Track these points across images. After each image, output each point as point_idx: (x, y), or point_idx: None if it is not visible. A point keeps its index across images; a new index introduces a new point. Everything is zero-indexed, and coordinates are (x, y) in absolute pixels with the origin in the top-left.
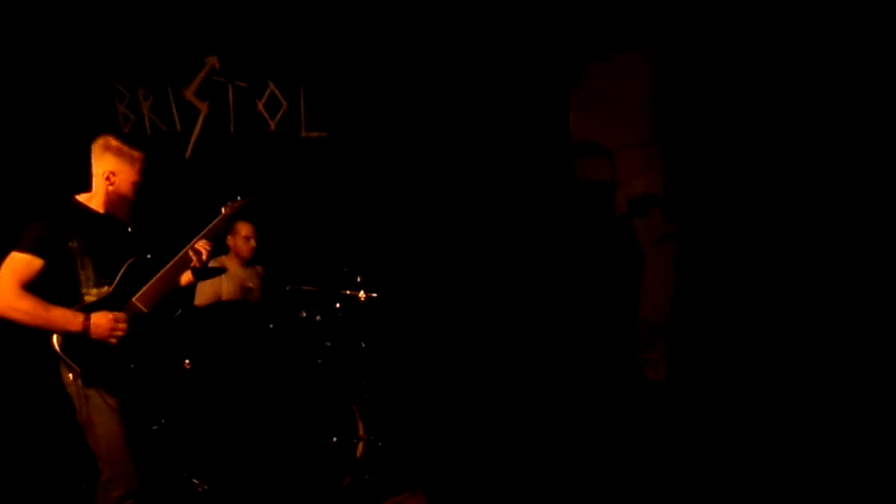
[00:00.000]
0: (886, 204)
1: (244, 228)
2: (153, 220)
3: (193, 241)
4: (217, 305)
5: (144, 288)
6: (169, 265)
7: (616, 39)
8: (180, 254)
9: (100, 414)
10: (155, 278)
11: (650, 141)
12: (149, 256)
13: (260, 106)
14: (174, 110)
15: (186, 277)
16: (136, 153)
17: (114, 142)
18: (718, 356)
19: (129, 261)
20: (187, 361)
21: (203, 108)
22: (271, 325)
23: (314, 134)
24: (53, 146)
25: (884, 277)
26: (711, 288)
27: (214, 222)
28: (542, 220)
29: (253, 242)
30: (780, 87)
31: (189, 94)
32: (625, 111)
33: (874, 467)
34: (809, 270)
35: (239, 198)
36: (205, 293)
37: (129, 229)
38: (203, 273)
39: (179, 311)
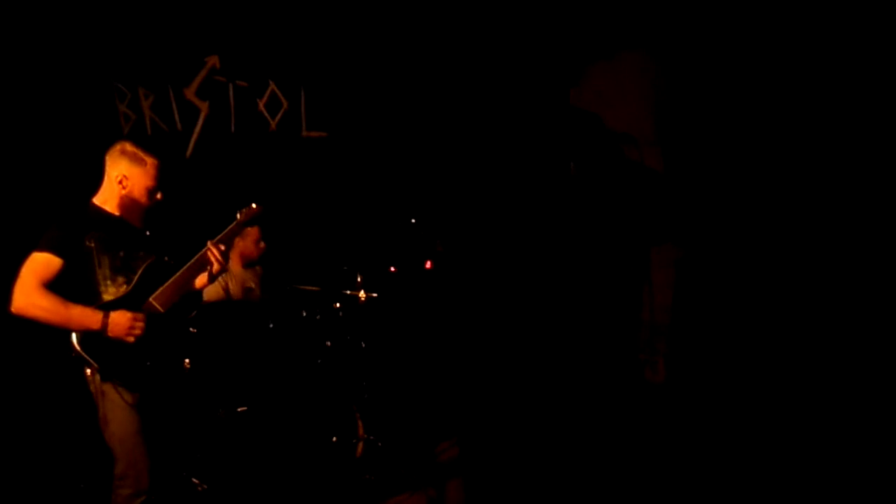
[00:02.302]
0: (888, 207)
1: (254, 231)
2: (157, 218)
3: (209, 245)
4: (219, 304)
5: (161, 288)
6: (185, 267)
7: (617, 39)
8: (196, 257)
9: (115, 410)
10: (171, 280)
11: (651, 141)
12: (166, 258)
13: (261, 105)
14: (175, 109)
15: (201, 280)
16: (149, 159)
17: (129, 147)
18: (719, 357)
19: (148, 261)
20: (187, 361)
21: (204, 107)
22: (271, 325)
23: (315, 133)
24: (55, 145)
25: (885, 281)
26: (712, 289)
27: (230, 227)
28: (543, 221)
29: (263, 245)
30: (782, 88)
31: (190, 93)
32: (626, 111)
33: (873, 468)
34: (810, 272)
35: (254, 205)
36: (211, 292)
37: (147, 233)
38: (217, 276)
39: (195, 311)
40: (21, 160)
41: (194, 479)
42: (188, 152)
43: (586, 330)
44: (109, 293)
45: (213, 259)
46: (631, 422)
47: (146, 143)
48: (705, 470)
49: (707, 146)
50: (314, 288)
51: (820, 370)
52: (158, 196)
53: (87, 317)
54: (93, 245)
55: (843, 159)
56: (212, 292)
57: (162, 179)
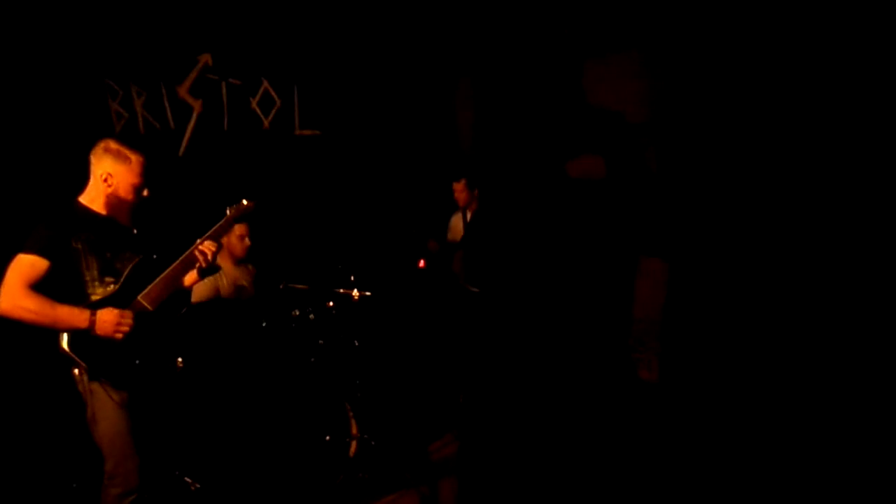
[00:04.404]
0: (884, 206)
1: (239, 227)
2: (148, 217)
3: (199, 242)
4: (210, 303)
5: (149, 287)
6: (174, 265)
7: (611, 39)
8: (185, 254)
9: (104, 409)
10: (160, 277)
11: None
12: (154, 257)
13: (253, 104)
14: (167, 108)
15: (191, 277)
16: (133, 155)
17: (112, 145)
18: (712, 355)
19: (135, 260)
20: (180, 360)
21: (196, 105)
22: (264, 324)
23: (307, 132)
24: (46, 143)
25: (881, 280)
26: (705, 287)
27: (220, 224)
28: (535, 220)
29: (247, 241)
30: (776, 88)
31: (182, 91)
32: (619, 111)
33: (868, 466)
34: (804, 270)
35: (245, 201)
36: (201, 291)
37: (135, 231)
38: (207, 273)
39: (184, 308)
40: (11, 158)
41: (187, 479)
42: (181, 150)
43: (580, 328)
44: (97, 294)
45: (199, 256)
46: (627, 420)
47: (138, 141)
48: (701, 467)
49: (700, 145)
50: (307, 286)
51: (815, 366)
52: (145, 193)
53: (74, 316)
54: (80, 246)
55: (839, 157)
56: (203, 291)
57: (148, 175)
